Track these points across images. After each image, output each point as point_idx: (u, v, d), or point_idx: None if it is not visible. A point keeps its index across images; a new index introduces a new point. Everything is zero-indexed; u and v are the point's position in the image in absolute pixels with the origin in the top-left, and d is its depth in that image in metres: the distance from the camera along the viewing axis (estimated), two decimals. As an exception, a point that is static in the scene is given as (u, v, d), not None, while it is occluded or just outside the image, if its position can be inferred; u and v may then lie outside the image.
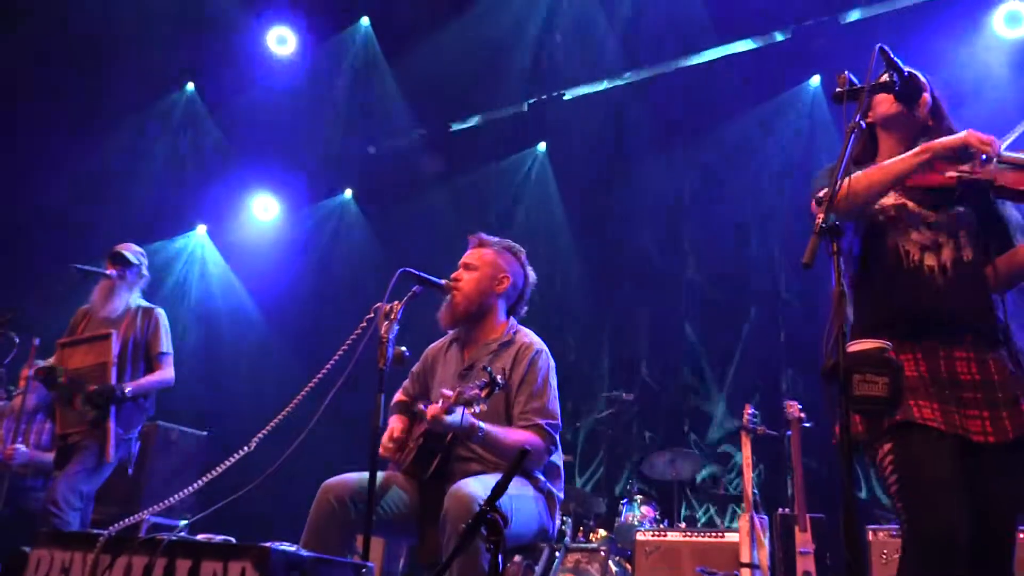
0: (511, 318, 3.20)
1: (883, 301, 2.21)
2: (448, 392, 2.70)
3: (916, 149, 2.16)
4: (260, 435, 2.47)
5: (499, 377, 2.65)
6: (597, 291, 7.83)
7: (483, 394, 2.60)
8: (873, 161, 2.32)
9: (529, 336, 3.12)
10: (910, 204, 2.25)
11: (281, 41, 8.21)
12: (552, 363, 3.07)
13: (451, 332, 3.25)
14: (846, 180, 2.15)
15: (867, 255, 2.26)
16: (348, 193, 9.13)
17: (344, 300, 8.31)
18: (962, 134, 2.14)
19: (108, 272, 4.44)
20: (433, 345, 3.33)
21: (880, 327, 2.12)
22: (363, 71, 8.40)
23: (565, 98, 8.08)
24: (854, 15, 6.67)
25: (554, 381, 3.04)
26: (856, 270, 2.27)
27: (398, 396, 3.30)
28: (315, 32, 8.28)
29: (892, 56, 2.20)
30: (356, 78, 8.43)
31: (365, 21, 8.45)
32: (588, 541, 5.38)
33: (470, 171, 8.40)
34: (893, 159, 2.19)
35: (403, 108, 8.31)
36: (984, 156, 2.12)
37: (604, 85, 7.98)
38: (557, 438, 2.96)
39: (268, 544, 1.92)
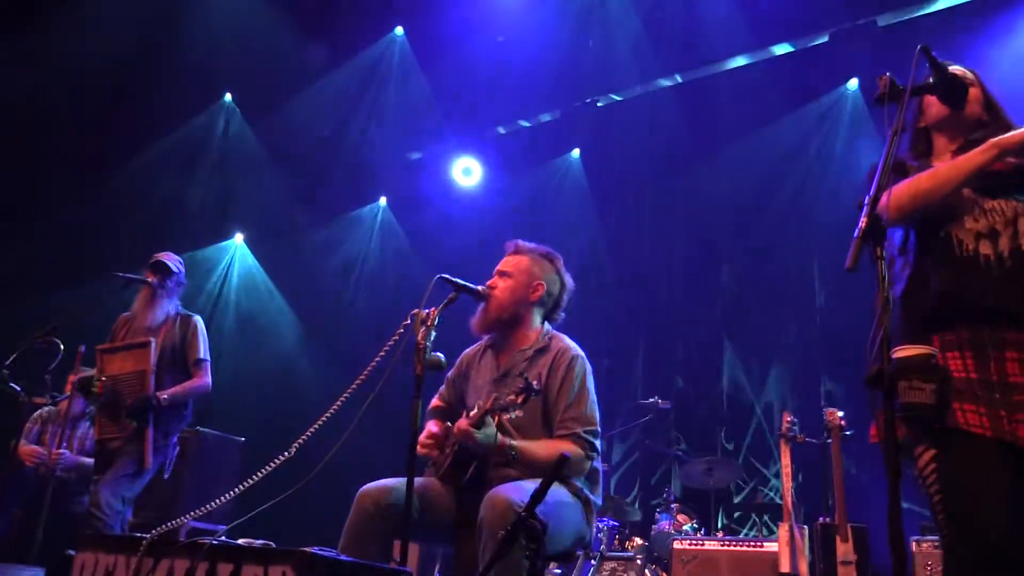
0: (546, 324, 3.19)
1: (935, 293, 2.11)
2: (479, 403, 2.70)
3: (984, 145, 2.08)
4: (300, 440, 2.48)
5: (535, 383, 2.63)
6: (632, 298, 7.79)
7: (519, 400, 2.59)
8: (928, 160, 2.27)
9: (565, 341, 3.09)
10: (965, 191, 2.15)
11: (317, 51, 8.31)
12: (589, 368, 3.05)
13: (485, 338, 3.24)
14: (912, 179, 2.10)
15: (920, 246, 2.17)
16: (383, 201, 9.19)
17: (378, 307, 8.37)
18: None
19: (148, 280, 4.53)
20: (467, 351, 3.32)
21: (929, 321, 2.06)
22: (397, 80, 8.47)
23: (599, 105, 8.06)
24: (891, 18, 6.58)
25: (592, 386, 3.01)
26: (913, 263, 2.17)
27: (434, 402, 3.30)
28: (350, 42, 8.36)
29: (934, 56, 2.15)
30: (390, 87, 8.50)
31: (399, 30, 8.52)
32: (624, 549, 5.34)
33: (505, 178, 8.42)
34: (963, 156, 2.11)
35: (437, 116, 8.36)
36: None
37: (638, 91, 7.95)
38: (597, 444, 2.93)
39: (309, 549, 1.93)
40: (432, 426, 3.09)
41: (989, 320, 2.05)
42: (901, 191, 2.10)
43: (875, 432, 2.09)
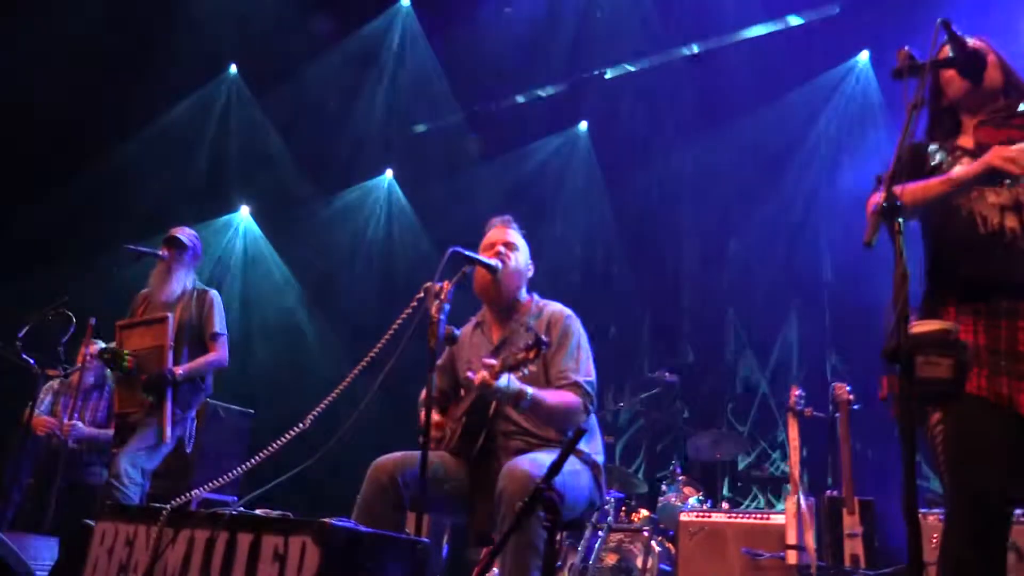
0: (534, 294, 3.25)
1: (959, 273, 2.14)
2: (492, 360, 2.71)
3: (940, 178, 2.13)
4: (315, 412, 2.49)
5: (544, 336, 2.66)
6: (639, 272, 7.78)
7: (530, 355, 2.60)
8: (954, 141, 2.29)
9: (557, 306, 3.17)
10: None
11: (323, 22, 8.24)
12: (583, 328, 3.12)
13: (474, 317, 3.30)
14: (916, 187, 2.12)
15: (939, 224, 2.21)
16: (389, 173, 9.17)
17: (384, 279, 8.37)
18: (986, 157, 2.07)
19: (160, 254, 4.54)
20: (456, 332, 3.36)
21: (946, 292, 2.09)
22: (404, 51, 8.41)
23: (607, 76, 8.01)
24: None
25: (587, 344, 3.08)
26: (929, 241, 2.21)
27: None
28: (356, 13, 8.29)
29: (954, 29, 2.14)
30: (397, 58, 8.45)
31: (406, 1, 8.45)
32: (630, 521, 5.38)
33: (512, 150, 8.38)
34: (924, 184, 2.15)
35: (444, 88, 8.31)
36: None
37: (646, 63, 7.88)
38: (594, 397, 2.98)
39: (328, 519, 1.95)
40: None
41: (1012, 293, 2.08)
42: (907, 196, 2.12)
43: (887, 386, 2.14)
